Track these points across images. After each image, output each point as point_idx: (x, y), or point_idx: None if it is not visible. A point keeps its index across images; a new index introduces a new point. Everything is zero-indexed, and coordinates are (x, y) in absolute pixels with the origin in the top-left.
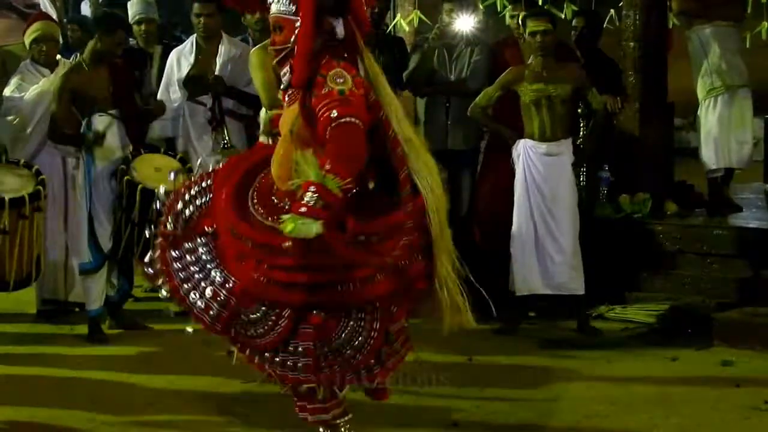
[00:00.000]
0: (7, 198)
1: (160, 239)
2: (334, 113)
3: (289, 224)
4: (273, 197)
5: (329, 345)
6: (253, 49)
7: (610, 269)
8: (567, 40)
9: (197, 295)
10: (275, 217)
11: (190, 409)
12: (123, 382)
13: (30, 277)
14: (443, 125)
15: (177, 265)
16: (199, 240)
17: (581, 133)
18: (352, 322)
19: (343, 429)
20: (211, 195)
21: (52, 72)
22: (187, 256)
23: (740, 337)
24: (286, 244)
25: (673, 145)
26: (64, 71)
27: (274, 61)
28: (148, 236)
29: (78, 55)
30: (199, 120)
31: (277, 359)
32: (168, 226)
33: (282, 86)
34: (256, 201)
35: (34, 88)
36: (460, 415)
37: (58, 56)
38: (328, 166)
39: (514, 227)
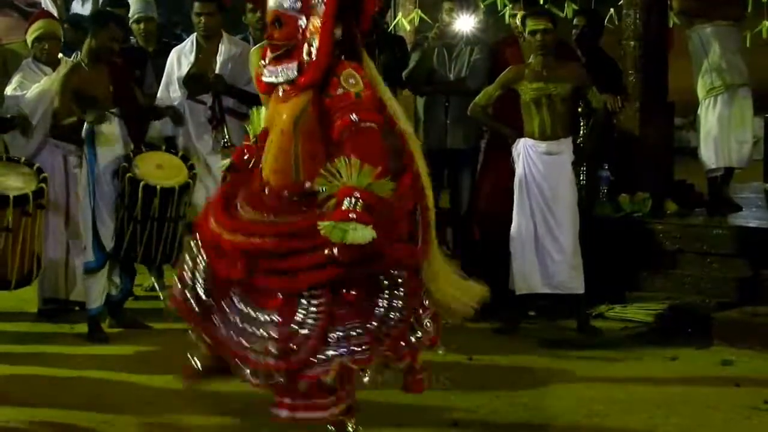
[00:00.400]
0: (12, 196)
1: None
2: (354, 117)
3: (338, 232)
4: (263, 195)
5: (369, 322)
6: (254, 47)
7: (610, 268)
8: (567, 39)
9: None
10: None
11: (190, 409)
12: (123, 381)
13: (31, 275)
14: (443, 124)
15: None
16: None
17: (581, 132)
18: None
19: (350, 427)
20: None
21: (54, 70)
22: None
23: (740, 336)
24: (333, 250)
25: (673, 145)
26: (65, 72)
27: (271, 56)
28: None
29: (78, 54)
30: (200, 119)
31: (328, 353)
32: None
33: (279, 81)
34: (244, 206)
35: (35, 86)
36: (459, 415)
37: (60, 54)
38: (369, 170)
39: (513, 226)
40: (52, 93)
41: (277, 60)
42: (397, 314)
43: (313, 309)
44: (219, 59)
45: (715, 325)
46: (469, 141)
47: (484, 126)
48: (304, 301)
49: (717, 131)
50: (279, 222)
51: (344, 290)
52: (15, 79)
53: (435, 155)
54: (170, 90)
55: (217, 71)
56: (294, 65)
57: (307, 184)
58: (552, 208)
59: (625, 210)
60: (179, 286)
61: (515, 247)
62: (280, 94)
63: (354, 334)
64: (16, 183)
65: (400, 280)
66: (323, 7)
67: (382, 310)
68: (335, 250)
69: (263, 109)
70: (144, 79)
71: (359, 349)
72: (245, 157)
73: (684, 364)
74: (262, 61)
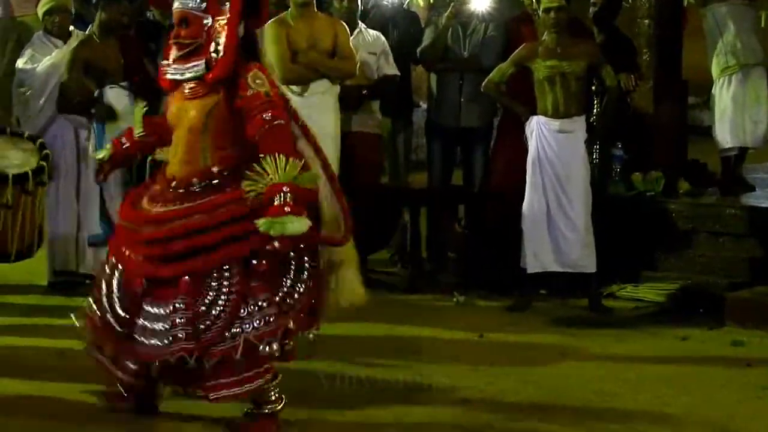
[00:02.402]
0: (11, 174)
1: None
2: (267, 116)
3: (278, 227)
4: (168, 190)
5: (277, 294)
6: (268, 23)
7: (622, 248)
8: (581, 17)
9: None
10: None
11: None
12: None
13: (32, 249)
14: (457, 102)
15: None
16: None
17: (595, 110)
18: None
19: (273, 393)
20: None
21: (65, 43)
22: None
23: (752, 316)
24: (276, 244)
25: (687, 124)
26: (75, 45)
27: (177, 54)
28: None
29: (91, 26)
30: None
31: (243, 326)
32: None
33: (186, 78)
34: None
35: (46, 59)
36: (469, 393)
37: (71, 27)
38: (293, 164)
39: (525, 204)
40: (62, 66)
41: (183, 58)
42: (302, 286)
43: (225, 288)
44: None
45: (727, 305)
46: (482, 119)
47: (498, 103)
48: (214, 283)
49: (731, 111)
50: (186, 206)
51: (255, 261)
52: (26, 53)
53: (448, 133)
54: None
55: None
56: (202, 62)
57: (215, 168)
58: (564, 187)
59: (638, 189)
60: (97, 311)
61: (527, 225)
62: (186, 91)
63: (263, 305)
64: (15, 159)
65: (304, 254)
66: (228, 6)
67: (288, 281)
68: (276, 244)
69: (141, 105)
70: (159, 52)
71: (263, 323)
72: (124, 147)
73: (695, 344)
74: (165, 61)
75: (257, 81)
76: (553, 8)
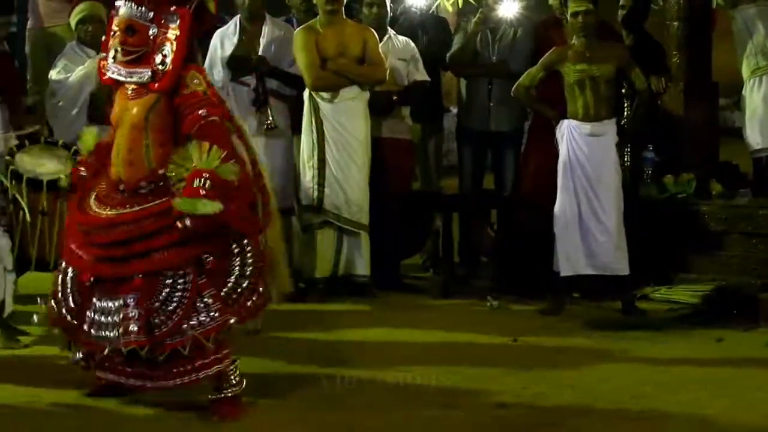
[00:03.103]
0: (45, 181)
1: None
2: (203, 112)
3: (188, 205)
4: (115, 193)
5: (222, 289)
6: (297, 29)
7: (655, 250)
8: (609, 21)
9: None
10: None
11: None
12: None
13: None
14: (486, 106)
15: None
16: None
17: (625, 113)
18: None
19: (233, 377)
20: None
21: (97, 53)
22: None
23: None
24: (186, 222)
25: (718, 125)
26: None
27: (123, 59)
28: None
29: None
30: (243, 101)
31: (191, 322)
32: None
33: (129, 81)
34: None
35: (79, 69)
36: (506, 397)
37: (104, 37)
38: (216, 154)
39: (557, 207)
40: (94, 76)
41: (129, 63)
42: (245, 282)
43: (180, 285)
44: (262, 41)
45: (762, 306)
46: (512, 123)
47: (528, 107)
48: (168, 281)
49: (762, 112)
50: (134, 210)
51: (205, 258)
52: (59, 63)
53: (478, 137)
54: (214, 72)
55: (260, 53)
56: (147, 71)
57: (161, 171)
58: (596, 190)
59: (670, 191)
60: (54, 305)
61: (559, 229)
62: (129, 92)
63: (209, 301)
64: (51, 167)
65: (248, 249)
66: (176, 18)
67: (233, 277)
68: (187, 222)
69: (94, 129)
70: None
71: (209, 318)
72: (82, 175)
73: (730, 346)
74: (106, 62)
75: (195, 81)
76: (580, 12)
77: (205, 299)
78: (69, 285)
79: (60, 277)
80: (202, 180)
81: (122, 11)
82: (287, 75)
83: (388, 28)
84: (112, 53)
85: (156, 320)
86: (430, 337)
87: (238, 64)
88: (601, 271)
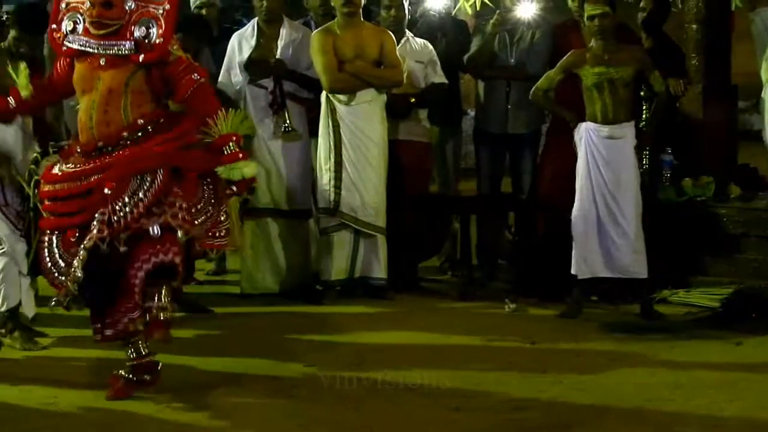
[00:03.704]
0: None
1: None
2: (196, 76)
3: (236, 172)
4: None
5: (195, 207)
6: (315, 32)
7: (674, 253)
8: (628, 23)
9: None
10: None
11: (249, 394)
12: (184, 365)
13: None
14: (504, 109)
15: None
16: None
17: (644, 116)
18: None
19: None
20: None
21: None
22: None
23: None
24: (234, 188)
25: (737, 128)
26: None
27: (97, 32)
28: None
29: None
30: (261, 103)
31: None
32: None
33: (108, 53)
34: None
35: None
36: (522, 400)
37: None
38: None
39: (575, 210)
40: None
41: (105, 36)
42: (210, 213)
43: (147, 184)
44: (280, 44)
45: None
46: (530, 125)
47: (546, 110)
48: (137, 180)
49: None
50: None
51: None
52: None
53: (496, 140)
54: (231, 74)
55: (278, 56)
56: (128, 43)
57: (140, 121)
58: (614, 193)
59: (689, 194)
60: (48, 275)
61: (577, 232)
62: (102, 62)
63: (177, 204)
64: None
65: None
66: None
67: (201, 203)
68: (234, 188)
69: (24, 67)
70: (200, 61)
71: (174, 217)
72: (12, 107)
73: (749, 349)
74: (71, 35)
75: (174, 47)
76: (597, 15)
77: (176, 202)
78: (56, 252)
79: (45, 249)
80: (233, 144)
81: None
82: (304, 78)
83: (406, 30)
84: (71, 26)
85: (115, 217)
86: (447, 340)
87: (255, 66)
88: (619, 274)
